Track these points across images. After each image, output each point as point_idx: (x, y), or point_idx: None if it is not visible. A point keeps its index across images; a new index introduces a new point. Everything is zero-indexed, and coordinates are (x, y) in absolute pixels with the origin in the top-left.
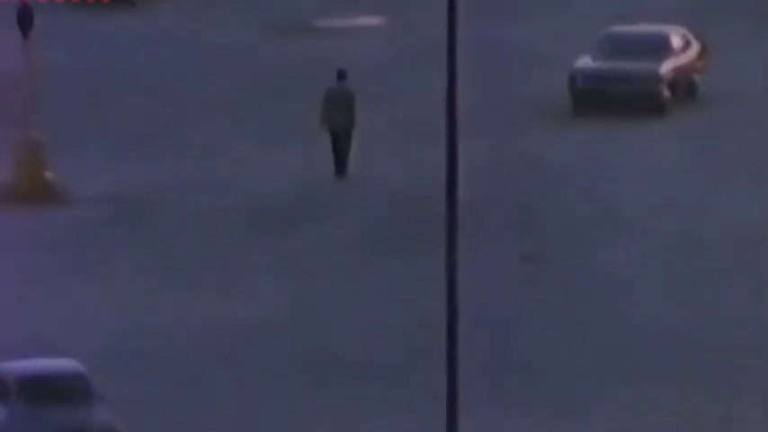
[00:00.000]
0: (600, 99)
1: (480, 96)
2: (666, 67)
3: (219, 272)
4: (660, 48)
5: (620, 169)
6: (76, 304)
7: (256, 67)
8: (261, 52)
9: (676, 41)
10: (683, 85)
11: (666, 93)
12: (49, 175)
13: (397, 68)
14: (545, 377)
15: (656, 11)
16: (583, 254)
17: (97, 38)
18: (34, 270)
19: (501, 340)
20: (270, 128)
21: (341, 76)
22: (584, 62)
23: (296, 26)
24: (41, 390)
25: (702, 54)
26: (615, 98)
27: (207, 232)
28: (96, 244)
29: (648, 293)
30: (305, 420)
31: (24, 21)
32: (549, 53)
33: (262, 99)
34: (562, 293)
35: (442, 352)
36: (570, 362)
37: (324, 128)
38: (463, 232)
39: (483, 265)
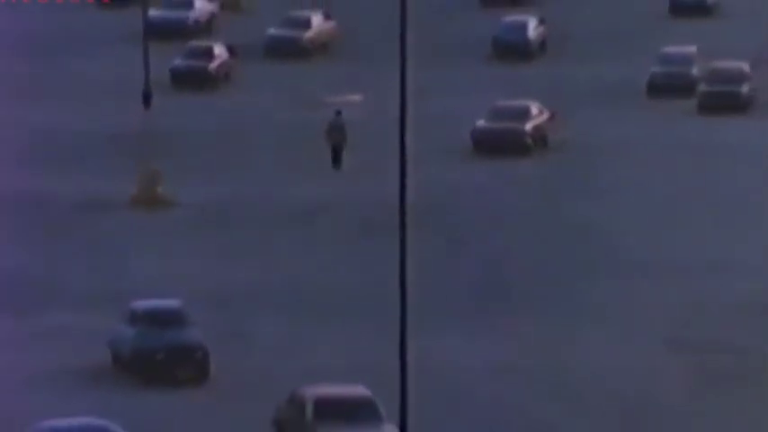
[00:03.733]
0: (490, 145)
1: (419, 141)
2: (529, 126)
3: (265, 248)
4: (525, 114)
5: (503, 186)
6: (178, 268)
7: (288, 125)
8: (290, 116)
9: (534, 110)
10: (539, 138)
11: (529, 141)
12: (160, 189)
13: (371, 125)
14: (463, 310)
15: (523, 92)
16: (486, 238)
17: (193, 108)
18: (151, 249)
19: (435, 289)
20: (296, 161)
21: (338, 113)
22: (480, 122)
23: (312, 101)
24: (156, 317)
25: (551, 118)
26: (499, 144)
27: (257, 224)
28: (192, 233)
29: (528, 255)
30: (316, 339)
31: (147, 97)
32: (460, 117)
33: (291, 144)
34: (472, 261)
35: (397, 298)
36: (478, 298)
37: (329, 142)
38: (410, 225)
39: (422, 245)
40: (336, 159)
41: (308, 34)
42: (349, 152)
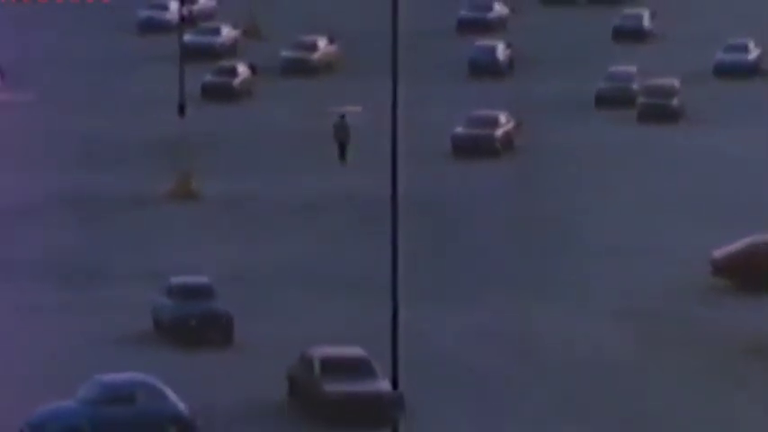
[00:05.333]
0: (467, 148)
1: (408, 145)
2: (498, 132)
3: (279, 233)
4: (495, 122)
5: (478, 183)
6: (207, 250)
7: (299, 130)
8: (302, 124)
9: (503, 119)
10: (507, 142)
11: (499, 145)
12: (193, 185)
13: (368, 130)
14: (447, 286)
15: (493, 104)
16: (465, 226)
17: (220, 117)
18: (185, 235)
19: (423, 268)
20: (305, 161)
21: (342, 116)
22: (458, 129)
23: (320, 112)
24: (189, 291)
25: (517, 126)
26: (473, 148)
27: (273, 213)
28: (219, 221)
29: (501, 240)
30: (322, 310)
31: (182, 108)
32: (441, 125)
33: (302, 146)
34: (454, 245)
35: (389, 271)
36: (460, 276)
37: (336, 140)
38: (401, 214)
39: (411, 230)
40: (342, 154)
41: (316, 56)
42: (351, 150)
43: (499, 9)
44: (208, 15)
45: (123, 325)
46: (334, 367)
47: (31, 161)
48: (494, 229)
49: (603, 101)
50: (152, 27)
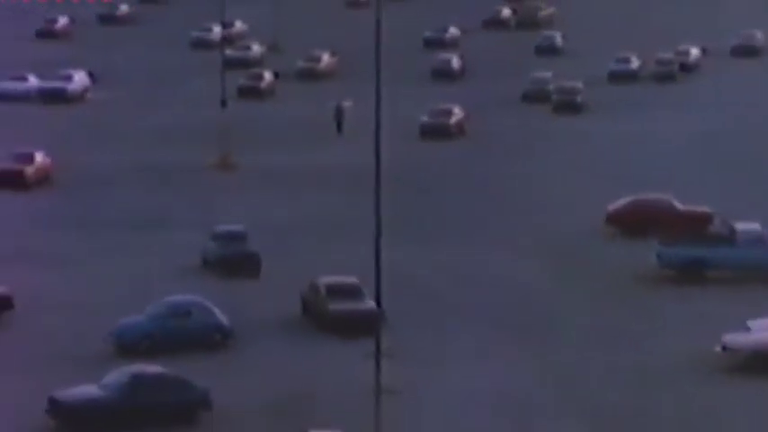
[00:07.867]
0: (430, 132)
1: (388, 129)
2: (453, 120)
3: (297, 194)
4: (450, 114)
5: (438, 158)
6: (242, 207)
7: (309, 119)
8: (311, 114)
9: (456, 111)
10: (459, 128)
11: (454, 130)
12: (232, 159)
13: (357, 119)
14: (418, 234)
15: (449, 100)
16: (430, 190)
17: (251, 110)
18: (225, 196)
19: (400, 221)
20: (314, 142)
21: (339, 103)
22: (424, 118)
23: (324, 104)
24: (229, 236)
25: (467, 116)
26: (435, 132)
27: (290, 180)
28: (251, 185)
29: (456, 200)
30: (326, 250)
31: (223, 102)
32: (411, 115)
33: (311, 131)
34: (423, 203)
35: (374, 221)
36: (427, 226)
37: (335, 119)
38: (383, 181)
39: (390, 192)
40: (339, 129)
41: (321, 65)
42: (345, 126)
43: (453, 31)
44: (242, 36)
45: (180, 261)
46: (336, 291)
47: (115, 141)
48: (450, 191)
49: (528, 98)
50: (201, 44)
